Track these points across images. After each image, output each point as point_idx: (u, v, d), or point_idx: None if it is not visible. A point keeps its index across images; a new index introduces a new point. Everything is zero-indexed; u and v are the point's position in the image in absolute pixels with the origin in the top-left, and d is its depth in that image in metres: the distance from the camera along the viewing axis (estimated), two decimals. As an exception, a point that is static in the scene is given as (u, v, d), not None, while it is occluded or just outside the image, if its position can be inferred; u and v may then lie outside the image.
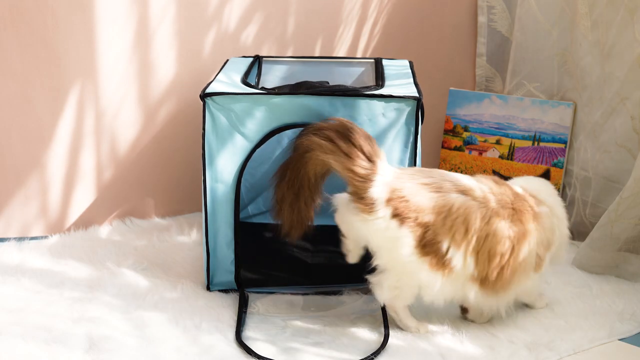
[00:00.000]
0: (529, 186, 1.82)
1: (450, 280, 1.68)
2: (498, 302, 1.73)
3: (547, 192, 1.84)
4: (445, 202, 1.66)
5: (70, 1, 2.13)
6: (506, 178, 1.87)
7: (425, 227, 1.65)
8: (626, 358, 1.69)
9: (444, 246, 1.65)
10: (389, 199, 1.65)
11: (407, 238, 1.65)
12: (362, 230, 1.70)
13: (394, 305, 1.74)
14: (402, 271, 1.69)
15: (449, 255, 1.66)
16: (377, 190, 1.66)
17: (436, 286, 1.68)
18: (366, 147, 1.68)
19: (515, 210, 1.70)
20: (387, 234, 1.66)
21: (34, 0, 2.10)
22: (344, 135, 1.68)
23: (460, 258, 1.66)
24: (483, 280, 1.68)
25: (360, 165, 1.66)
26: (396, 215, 1.65)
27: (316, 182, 1.77)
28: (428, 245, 1.65)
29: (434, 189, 1.67)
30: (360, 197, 1.66)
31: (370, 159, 1.67)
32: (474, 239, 1.66)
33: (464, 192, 1.68)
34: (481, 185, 1.71)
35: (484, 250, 1.67)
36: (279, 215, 1.81)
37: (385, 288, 1.71)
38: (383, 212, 1.65)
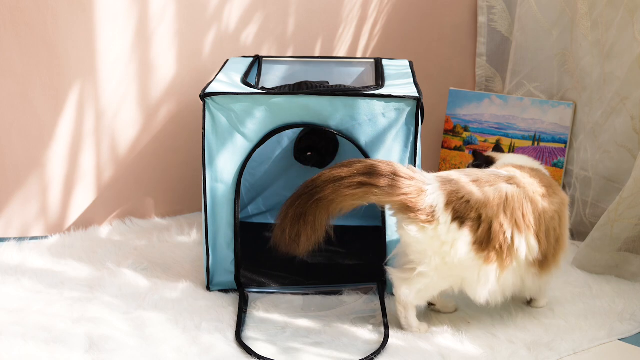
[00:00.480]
0: (519, 162, 1.89)
1: (513, 271, 1.71)
2: (548, 278, 1.80)
3: (533, 163, 1.91)
4: (501, 194, 1.69)
5: (70, 1, 2.13)
6: (487, 158, 1.96)
7: (489, 221, 1.67)
8: (626, 358, 1.69)
9: (509, 234, 1.68)
10: (448, 203, 1.67)
11: (466, 238, 1.67)
12: (418, 240, 1.69)
13: (408, 303, 1.75)
14: (448, 274, 1.70)
15: (515, 244, 1.68)
16: (433, 198, 1.67)
17: (492, 280, 1.70)
18: (395, 169, 1.67)
19: (547, 187, 1.77)
20: (448, 237, 1.67)
21: (34, 0, 2.10)
22: (369, 173, 1.66)
23: (525, 244, 1.70)
24: (542, 261, 1.74)
25: (405, 185, 1.66)
26: (456, 218, 1.66)
27: (336, 217, 1.75)
28: (494, 239, 1.67)
29: (484, 184, 1.70)
30: (417, 210, 1.66)
31: (407, 177, 1.67)
32: (532, 222, 1.71)
33: (508, 181, 1.72)
34: (514, 173, 1.76)
35: (542, 230, 1.72)
36: (292, 246, 1.75)
37: (415, 288, 1.72)
38: (444, 217, 1.66)
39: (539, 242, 1.72)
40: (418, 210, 1.66)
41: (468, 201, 1.67)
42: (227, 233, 1.92)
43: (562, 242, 1.79)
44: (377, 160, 1.71)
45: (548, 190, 1.77)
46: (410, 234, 1.68)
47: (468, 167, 2.03)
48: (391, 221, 1.85)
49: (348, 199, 1.67)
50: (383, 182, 1.65)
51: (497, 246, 1.68)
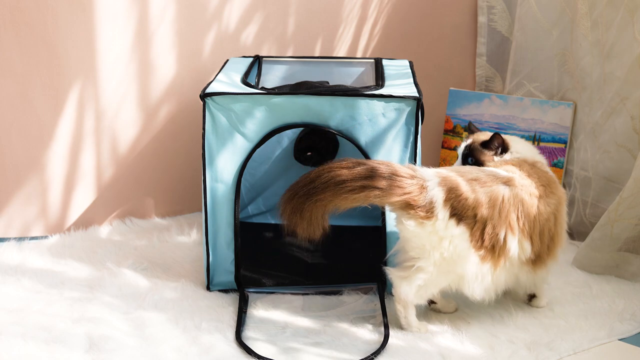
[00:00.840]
0: (524, 151, 1.90)
1: (506, 269, 1.73)
2: (544, 274, 1.82)
3: (537, 156, 1.91)
4: (497, 195, 1.70)
5: (70, 1, 2.13)
6: (503, 142, 1.92)
7: (484, 222, 1.68)
8: (626, 358, 1.69)
9: (502, 236, 1.69)
10: (447, 199, 1.68)
11: (463, 235, 1.68)
12: (417, 234, 1.70)
13: (408, 302, 1.75)
14: (446, 270, 1.71)
15: (507, 245, 1.70)
16: (433, 194, 1.67)
17: (488, 278, 1.72)
18: (395, 170, 1.68)
19: (545, 186, 1.78)
20: (446, 233, 1.68)
21: (34, 0, 2.10)
22: (370, 176, 1.66)
23: (517, 245, 1.72)
24: (536, 260, 1.76)
25: (407, 184, 1.67)
26: (454, 214, 1.68)
27: (331, 214, 1.74)
28: (487, 239, 1.69)
29: (482, 184, 1.71)
30: (418, 207, 1.67)
31: (408, 175, 1.68)
32: (527, 224, 1.72)
33: (506, 182, 1.73)
34: (513, 174, 1.77)
35: (536, 232, 1.74)
36: (291, 230, 1.75)
37: (414, 285, 1.72)
38: (442, 213, 1.67)
39: (532, 243, 1.74)
40: (418, 207, 1.67)
41: (466, 199, 1.68)
42: (227, 233, 1.91)
43: (557, 239, 1.80)
44: (375, 161, 1.71)
45: (545, 190, 1.77)
46: (409, 229, 1.69)
47: (482, 147, 2.00)
48: (391, 220, 1.85)
49: (349, 202, 1.68)
50: (384, 183, 1.66)
51: (490, 246, 1.69)
